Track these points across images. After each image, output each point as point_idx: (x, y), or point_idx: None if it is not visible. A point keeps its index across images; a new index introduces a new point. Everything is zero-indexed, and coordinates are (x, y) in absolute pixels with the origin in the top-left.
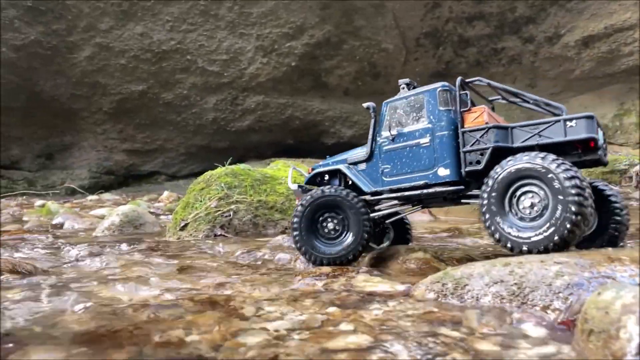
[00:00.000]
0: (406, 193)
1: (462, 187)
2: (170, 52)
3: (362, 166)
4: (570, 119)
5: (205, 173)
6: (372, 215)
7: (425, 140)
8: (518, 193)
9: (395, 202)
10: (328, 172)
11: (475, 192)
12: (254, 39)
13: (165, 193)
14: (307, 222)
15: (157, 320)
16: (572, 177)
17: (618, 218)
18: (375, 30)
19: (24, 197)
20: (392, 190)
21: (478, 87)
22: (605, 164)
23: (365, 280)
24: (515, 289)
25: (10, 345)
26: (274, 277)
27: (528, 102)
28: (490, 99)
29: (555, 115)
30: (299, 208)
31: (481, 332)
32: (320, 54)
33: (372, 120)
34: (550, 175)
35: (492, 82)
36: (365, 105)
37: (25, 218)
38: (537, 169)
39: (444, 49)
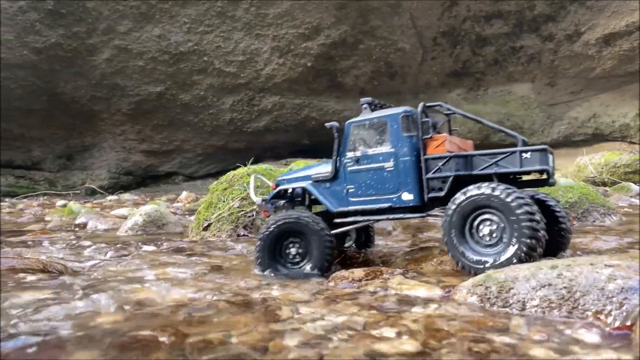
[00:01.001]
0: (372, 217)
1: (424, 214)
2: (187, 54)
3: (327, 184)
4: (526, 151)
5: (228, 173)
6: (334, 231)
7: (389, 164)
8: (476, 222)
9: (359, 222)
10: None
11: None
12: (270, 40)
13: (184, 193)
14: (270, 248)
15: (194, 321)
16: (523, 205)
17: (562, 226)
18: (392, 30)
19: (45, 197)
20: (357, 212)
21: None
22: (553, 185)
23: (400, 283)
24: (565, 293)
25: (52, 346)
26: (304, 278)
27: (488, 127)
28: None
29: (511, 137)
30: (262, 232)
31: (533, 338)
32: (336, 54)
33: (336, 140)
34: (503, 204)
35: (451, 107)
36: (327, 125)
37: (47, 218)
38: (492, 198)
39: (461, 48)
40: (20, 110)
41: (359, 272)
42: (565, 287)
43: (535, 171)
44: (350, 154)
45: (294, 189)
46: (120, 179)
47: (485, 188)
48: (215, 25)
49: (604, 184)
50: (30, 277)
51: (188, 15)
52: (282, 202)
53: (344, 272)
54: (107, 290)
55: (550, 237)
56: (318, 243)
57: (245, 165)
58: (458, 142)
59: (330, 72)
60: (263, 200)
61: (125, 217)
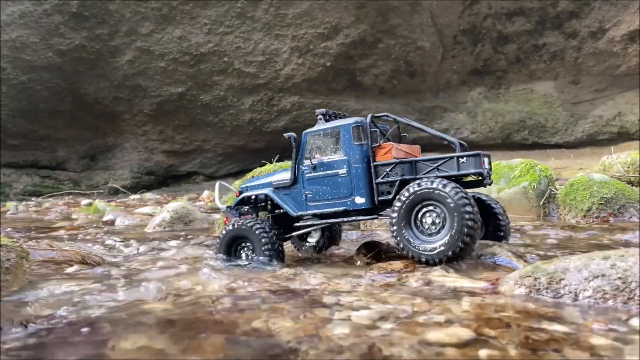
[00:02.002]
0: (329, 220)
1: (375, 216)
2: (207, 55)
3: (287, 191)
4: (462, 156)
5: (254, 170)
6: (296, 233)
7: (343, 171)
8: (420, 214)
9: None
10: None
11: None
12: (289, 40)
13: (205, 192)
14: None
15: (239, 309)
16: (462, 197)
17: (500, 222)
18: (412, 29)
19: (70, 196)
20: (315, 215)
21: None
22: (489, 185)
23: (442, 275)
24: (620, 284)
25: (106, 331)
26: (340, 269)
27: (428, 134)
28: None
29: (450, 143)
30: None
31: (591, 327)
32: (355, 54)
33: (294, 149)
34: (441, 195)
35: (397, 118)
36: (286, 135)
37: (74, 216)
38: (432, 191)
39: (482, 46)
40: (46, 112)
41: (397, 264)
42: (620, 278)
43: (470, 174)
44: (307, 162)
45: (256, 195)
46: (142, 179)
47: (425, 182)
48: (235, 26)
49: (630, 183)
50: (71, 268)
51: (208, 17)
52: (245, 208)
53: (382, 264)
54: (146, 280)
55: (490, 232)
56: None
57: (271, 162)
58: (406, 148)
59: (350, 72)
60: (227, 207)
61: (151, 215)
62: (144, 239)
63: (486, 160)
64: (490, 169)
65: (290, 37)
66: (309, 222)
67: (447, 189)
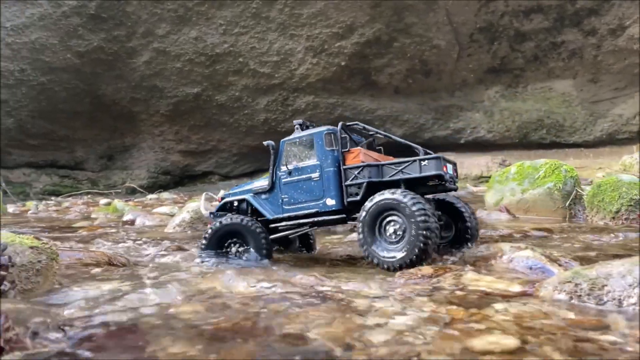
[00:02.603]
0: (302, 220)
1: (344, 215)
2: (223, 55)
3: (265, 196)
4: (424, 159)
5: None
6: (273, 236)
7: (315, 175)
8: (384, 223)
9: (293, 227)
10: (237, 200)
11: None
12: (304, 40)
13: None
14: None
15: (270, 313)
16: (417, 203)
17: (468, 224)
18: (427, 27)
19: (89, 196)
20: (290, 218)
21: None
22: (454, 190)
23: (475, 280)
24: None
25: (141, 336)
26: (369, 273)
27: (394, 142)
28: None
29: (414, 149)
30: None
31: (638, 337)
32: (370, 53)
33: (272, 157)
34: (400, 204)
35: (366, 126)
36: (265, 143)
37: (93, 215)
38: (392, 201)
39: (499, 44)
40: (65, 112)
41: (427, 269)
42: None
43: (431, 176)
44: (284, 168)
45: (238, 201)
46: (158, 179)
47: (387, 194)
48: (250, 26)
49: None
50: (97, 269)
51: (224, 17)
52: (228, 214)
53: (411, 269)
54: (172, 281)
55: (459, 233)
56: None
57: None
58: (376, 155)
59: (364, 71)
60: (210, 212)
61: (170, 215)
62: (165, 239)
63: (449, 165)
64: (455, 175)
65: (305, 36)
66: (283, 224)
67: (406, 199)
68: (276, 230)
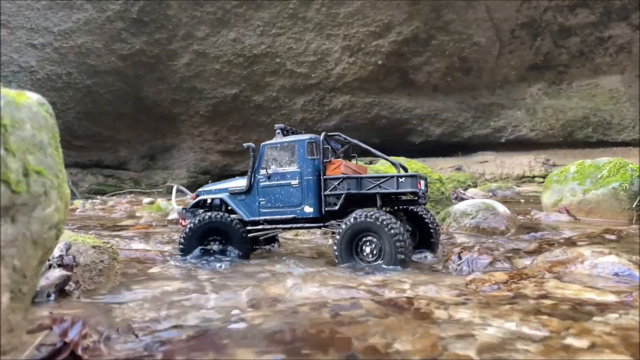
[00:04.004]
0: (279, 226)
1: (321, 223)
2: (260, 56)
3: (242, 197)
4: (401, 176)
5: None
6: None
7: (295, 182)
8: (360, 242)
9: (267, 230)
10: (212, 198)
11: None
12: (340, 39)
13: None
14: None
15: (345, 321)
16: (390, 224)
17: (432, 231)
18: (467, 24)
19: (132, 195)
20: (266, 221)
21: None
22: (423, 204)
23: (559, 287)
24: None
25: (212, 342)
26: (435, 278)
27: (373, 156)
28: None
29: (392, 164)
30: (187, 230)
31: None
32: (407, 51)
33: (252, 159)
34: (375, 225)
35: (348, 138)
36: (245, 145)
37: (138, 214)
38: (368, 223)
39: (542, 40)
40: (110, 114)
41: (500, 275)
42: None
43: (407, 192)
44: (263, 172)
45: (212, 199)
46: (198, 178)
47: (362, 216)
48: (287, 27)
49: None
50: (155, 269)
51: (261, 18)
52: (201, 211)
53: (482, 276)
54: (232, 282)
55: (424, 239)
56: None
57: None
58: (354, 167)
59: (402, 70)
60: (183, 208)
61: None
62: None
63: (422, 182)
64: (426, 191)
65: (342, 36)
66: (259, 227)
67: (380, 220)
68: (249, 232)
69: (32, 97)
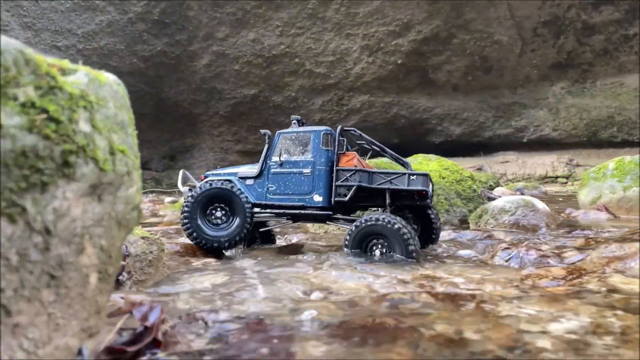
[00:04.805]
0: (287, 211)
1: (330, 212)
2: (279, 56)
3: (250, 181)
4: (413, 174)
5: None
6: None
7: (307, 170)
8: (371, 244)
9: (273, 215)
10: (219, 180)
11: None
12: (359, 39)
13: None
14: (199, 210)
15: (405, 314)
16: (401, 224)
17: (433, 225)
18: (488, 22)
19: (153, 194)
20: (274, 206)
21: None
22: (429, 207)
23: (623, 282)
24: None
25: (277, 333)
26: (486, 272)
27: (384, 154)
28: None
29: (403, 165)
30: (190, 199)
31: None
32: (427, 50)
33: (266, 145)
34: (385, 228)
35: (363, 134)
36: (262, 131)
37: (161, 213)
38: (380, 224)
39: (566, 38)
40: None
41: (557, 271)
42: None
43: (417, 191)
44: (275, 158)
45: (221, 181)
46: None
47: (371, 218)
48: (306, 27)
49: None
50: (197, 262)
51: (280, 19)
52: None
53: (537, 271)
54: (278, 274)
55: (427, 233)
56: (241, 208)
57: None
58: (364, 163)
59: (421, 69)
60: (190, 189)
61: None
62: None
63: (431, 184)
64: (433, 190)
65: (361, 35)
66: (265, 211)
67: (391, 222)
68: (253, 214)
69: (110, 77)
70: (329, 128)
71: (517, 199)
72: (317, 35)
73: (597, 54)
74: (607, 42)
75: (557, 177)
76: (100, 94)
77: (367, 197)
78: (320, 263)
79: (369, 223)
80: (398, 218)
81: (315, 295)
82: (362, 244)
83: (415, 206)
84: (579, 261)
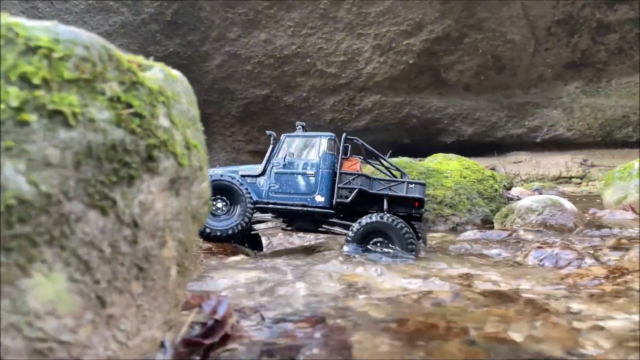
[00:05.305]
0: (289, 207)
1: (332, 211)
2: (291, 57)
3: (252, 180)
4: (412, 183)
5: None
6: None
7: (311, 172)
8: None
9: (270, 215)
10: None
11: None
12: (371, 39)
13: None
14: None
15: (452, 312)
16: (403, 223)
17: (419, 235)
18: (501, 22)
19: None
20: (275, 204)
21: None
22: (420, 219)
23: None
24: None
25: (328, 328)
26: (521, 272)
27: (382, 165)
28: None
29: (402, 173)
30: None
31: None
32: (439, 50)
33: (271, 146)
34: (387, 226)
35: (365, 144)
36: (268, 132)
37: None
38: (384, 223)
39: (580, 37)
40: None
41: (597, 270)
42: None
43: (414, 199)
44: (279, 159)
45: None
46: None
47: (375, 217)
48: (317, 27)
49: None
50: (231, 258)
51: (292, 19)
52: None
53: (577, 270)
54: (311, 272)
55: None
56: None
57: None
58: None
59: (433, 68)
60: None
61: None
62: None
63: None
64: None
65: (373, 35)
66: (270, 206)
67: (393, 222)
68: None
69: (178, 74)
70: (332, 134)
71: (544, 198)
72: (328, 35)
73: (612, 53)
74: (622, 41)
75: (571, 178)
76: (175, 89)
77: (365, 202)
78: (349, 261)
79: (373, 221)
80: (399, 218)
81: (356, 292)
82: (364, 240)
83: (405, 216)
84: (617, 260)
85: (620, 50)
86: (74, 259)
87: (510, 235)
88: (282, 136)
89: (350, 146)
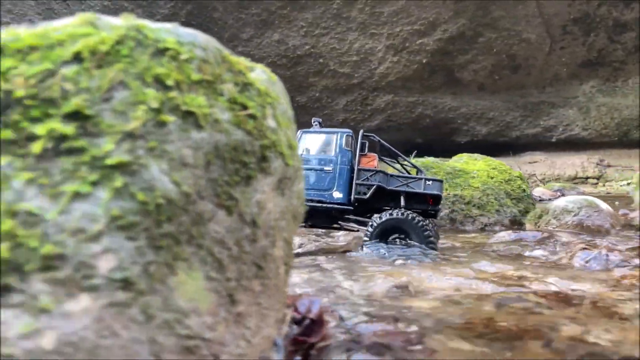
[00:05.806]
0: (307, 204)
1: (350, 207)
2: (304, 57)
3: None
4: (429, 180)
5: None
6: None
7: (329, 168)
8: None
9: None
10: None
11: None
12: (384, 39)
13: None
14: None
15: (518, 313)
16: (422, 220)
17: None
18: (515, 20)
19: None
20: None
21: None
22: (436, 216)
23: None
24: None
25: (411, 331)
26: (570, 274)
27: (398, 162)
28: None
29: (418, 170)
30: None
31: None
32: (453, 49)
33: None
34: (412, 224)
35: (382, 141)
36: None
37: None
38: (404, 220)
39: (596, 36)
40: None
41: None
42: None
43: (431, 195)
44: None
45: None
46: None
47: (395, 213)
48: (330, 27)
49: None
50: None
51: (305, 19)
52: None
53: (632, 272)
54: (359, 272)
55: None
56: None
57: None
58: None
59: (447, 68)
60: None
61: None
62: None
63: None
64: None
65: (386, 35)
66: None
67: (412, 218)
68: None
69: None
70: (350, 131)
71: (579, 198)
72: (341, 35)
73: (629, 51)
74: (639, 40)
75: (587, 178)
76: (276, 90)
77: (381, 198)
78: (391, 261)
79: (392, 217)
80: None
81: (409, 292)
82: (383, 237)
83: (420, 213)
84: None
85: (638, 49)
86: (210, 257)
87: (548, 237)
88: (299, 132)
89: (367, 142)
